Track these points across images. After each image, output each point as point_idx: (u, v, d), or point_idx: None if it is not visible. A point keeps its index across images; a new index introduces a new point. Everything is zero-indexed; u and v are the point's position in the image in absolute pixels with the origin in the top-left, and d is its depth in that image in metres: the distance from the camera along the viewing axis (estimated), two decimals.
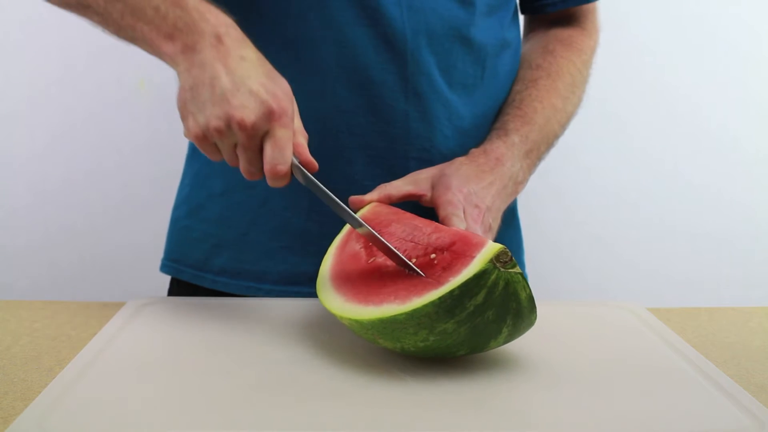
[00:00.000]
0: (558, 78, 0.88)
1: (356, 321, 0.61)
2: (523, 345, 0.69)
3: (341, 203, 0.67)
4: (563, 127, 0.88)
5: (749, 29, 1.62)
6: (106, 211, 1.58)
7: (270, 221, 0.85)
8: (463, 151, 0.82)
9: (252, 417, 0.54)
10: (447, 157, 0.82)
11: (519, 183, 0.81)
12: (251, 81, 0.64)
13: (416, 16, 0.80)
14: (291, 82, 0.81)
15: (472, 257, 0.58)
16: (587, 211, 1.67)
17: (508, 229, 0.92)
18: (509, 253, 0.58)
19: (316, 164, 0.68)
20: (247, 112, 0.63)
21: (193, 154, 0.92)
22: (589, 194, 1.67)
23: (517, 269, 0.58)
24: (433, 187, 0.76)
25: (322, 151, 0.82)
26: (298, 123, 0.69)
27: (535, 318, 0.61)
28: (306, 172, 0.67)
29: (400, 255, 0.64)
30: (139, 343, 0.67)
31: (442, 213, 0.72)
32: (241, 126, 0.63)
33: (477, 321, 0.58)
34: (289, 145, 0.65)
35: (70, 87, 1.52)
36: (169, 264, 0.92)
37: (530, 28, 0.97)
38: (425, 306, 0.57)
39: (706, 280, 1.69)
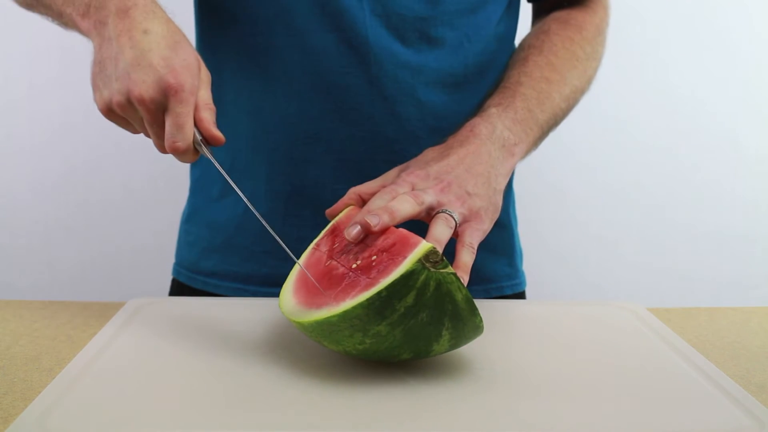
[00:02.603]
0: (551, 53, 0.85)
1: (299, 323, 0.61)
2: (523, 345, 0.69)
3: (234, 185, 0.67)
4: (568, 100, 0.84)
5: (751, 28, 1.63)
6: (106, 210, 1.58)
7: (253, 226, 0.86)
8: None
9: (252, 417, 0.54)
10: None
11: (514, 145, 0.77)
12: (152, 54, 0.62)
13: (378, 19, 0.80)
14: (260, 88, 0.82)
15: (405, 258, 0.57)
16: (587, 211, 1.67)
17: (502, 231, 0.91)
18: (439, 253, 0.56)
19: (221, 138, 0.66)
20: (145, 87, 0.62)
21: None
22: (589, 194, 1.67)
23: (450, 269, 0.56)
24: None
25: (292, 155, 0.83)
26: (205, 95, 0.67)
27: (480, 321, 0.59)
28: (205, 149, 0.66)
29: (287, 250, 0.66)
30: (139, 343, 0.67)
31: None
32: (140, 102, 0.63)
33: (410, 323, 0.56)
34: (189, 121, 0.64)
35: (71, 85, 1.52)
36: (175, 267, 0.96)
37: (535, 15, 0.96)
38: (354, 308, 0.56)
39: (706, 280, 1.69)
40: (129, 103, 0.63)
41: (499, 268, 0.91)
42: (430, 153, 0.75)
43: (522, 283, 0.95)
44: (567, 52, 0.85)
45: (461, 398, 0.57)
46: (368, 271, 0.59)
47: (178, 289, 0.94)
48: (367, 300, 0.55)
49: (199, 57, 0.66)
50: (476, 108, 0.82)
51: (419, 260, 0.55)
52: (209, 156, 0.66)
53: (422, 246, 0.57)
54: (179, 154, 0.64)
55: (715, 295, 1.69)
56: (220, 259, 0.89)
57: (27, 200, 1.57)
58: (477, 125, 0.76)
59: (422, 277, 0.55)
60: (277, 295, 0.84)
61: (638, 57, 1.61)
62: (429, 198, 0.68)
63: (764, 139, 1.67)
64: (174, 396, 0.57)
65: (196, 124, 0.65)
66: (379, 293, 0.55)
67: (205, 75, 0.67)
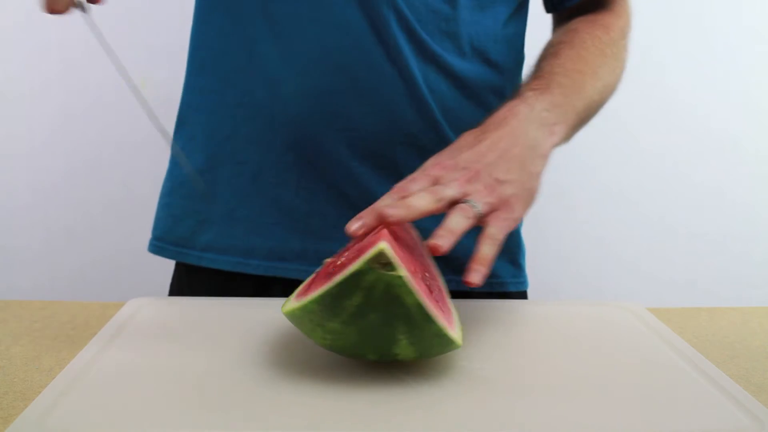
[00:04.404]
0: (581, 48, 0.84)
1: (287, 314, 0.61)
2: (523, 344, 0.69)
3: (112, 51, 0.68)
4: (600, 93, 0.83)
5: (750, 29, 1.63)
6: (106, 210, 1.58)
7: (260, 197, 0.85)
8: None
9: (252, 417, 0.54)
10: (440, 144, 0.77)
11: (554, 124, 0.74)
12: None
13: (401, 4, 0.80)
14: (277, 57, 0.81)
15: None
16: (587, 211, 1.67)
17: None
18: (388, 255, 0.55)
19: None
20: None
21: (176, 132, 0.92)
22: (589, 194, 1.67)
23: (398, 273, 0.55)
24: None
25: (307, 129, 0.82)
26: None
27: (441, 330, 0.57)
28: (84, 6, 0.65)
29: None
30: (139, 343, 0.67)
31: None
32: None
33: (361, 323, 0.57)
34: None
35: (71, 85, 1.52)
36: (153, 243, 0.92)
37: (556, 23, 0.96)
38: (310, 302, 0.57)
39: (706, 280, 1.69)
40: None
41: (501, 266, 0.91)
42: (465, 137, 0.72)
43: (525, 282, 0.95)
44: (596, 49, 0.85)
45: (460, 398, 0.57)
46: (340, 269, 0.59)
47: (180, 274, 0.92)
48: (320, 296, 0.56)
49: None
50: (511, 94, 0.80)
51: (367, 261, 0.55)
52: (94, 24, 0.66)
53: (374, 248, 0.56)
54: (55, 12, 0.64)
55: (715, 295, 1.69)
56: (220, 231, 0.87)
57: (27, 201, 1.57)
58: (516, 105, 0.74)
59: (370, 278, 0.55)
60: (279, 270, 0.84)
61: (638, 58, 1.60)
62: (450, 192, 0.65)
63: (764, 140, 1.67)
64: (174, 396, 0.57)
65: None
66: (330, 290, 0.56)
67: None
